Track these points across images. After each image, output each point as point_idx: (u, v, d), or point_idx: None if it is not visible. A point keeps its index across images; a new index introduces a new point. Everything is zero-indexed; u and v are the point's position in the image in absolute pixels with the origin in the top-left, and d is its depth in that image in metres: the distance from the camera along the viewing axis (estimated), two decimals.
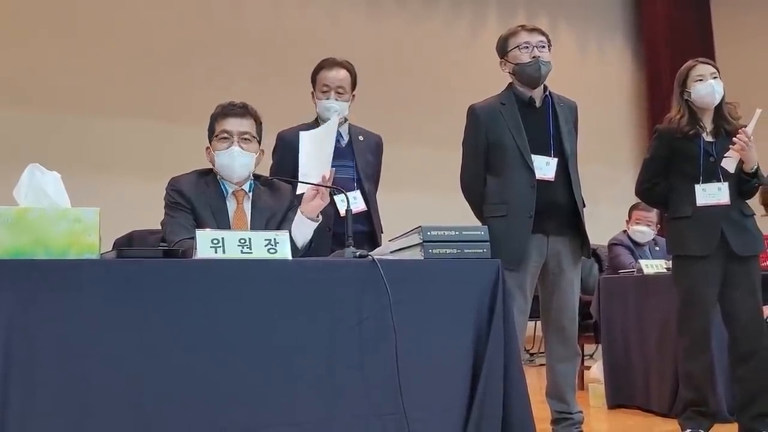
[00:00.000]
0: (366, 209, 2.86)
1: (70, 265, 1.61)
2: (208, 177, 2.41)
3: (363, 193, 2.86)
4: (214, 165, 2.41)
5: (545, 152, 2.79)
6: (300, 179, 2.35)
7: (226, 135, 2.36)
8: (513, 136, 2.79)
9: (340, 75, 2.88)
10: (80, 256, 1.63)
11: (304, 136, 2.40)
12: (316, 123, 2.94)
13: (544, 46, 2.83)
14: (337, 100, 2.87)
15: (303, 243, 2.30)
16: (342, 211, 2.67)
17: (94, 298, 1.61)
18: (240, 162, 2.33)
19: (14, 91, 4.99)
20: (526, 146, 2.77)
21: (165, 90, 5.39)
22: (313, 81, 2.94)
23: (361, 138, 2.97)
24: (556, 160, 2.79)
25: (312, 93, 2.95)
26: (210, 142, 2.42)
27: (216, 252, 1.77)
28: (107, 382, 1.61)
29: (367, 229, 2.86)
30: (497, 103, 2.87)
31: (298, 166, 2.62)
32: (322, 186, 2.30)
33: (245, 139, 2.36)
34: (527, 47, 2.81)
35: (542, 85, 2.88)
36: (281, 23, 5.99)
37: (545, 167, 2.77)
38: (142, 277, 1.67)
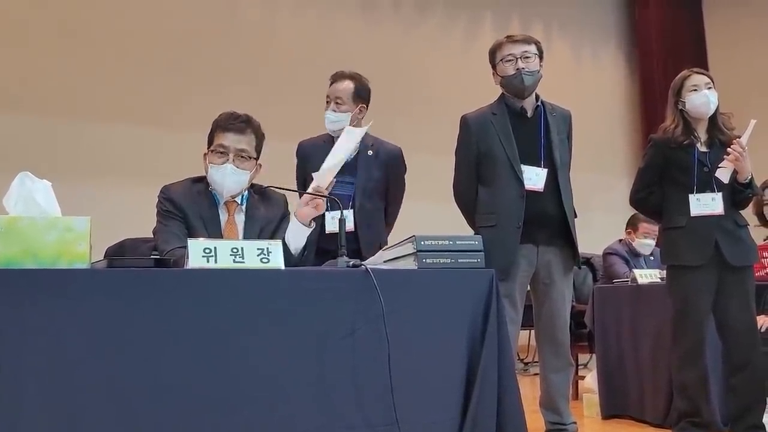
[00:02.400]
0: (353, 229, 2.82)
1: (60, 275, 1.59)
2: (201, 185, 2.38)
3: (354, 213, 2.83)
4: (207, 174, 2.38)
5: (535, 162, 2.80)
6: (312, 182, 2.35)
7: (222, 150, 2.32)
8: (503, 146, 2.80)
9: (340, 86, 2.88)
10: (70, 265, 1.61)
11: (343, 134, 2.33)
12: (329, 136, 2.92)
13: (529, 57, 2.82)
14: (334, 111, 2.86)
15: (296, 249, 2.29)
16: (327, 228, 2.70)
17: (84, 308, 1.59)
18: (231, 180, 2.31)
19: (6, 96, 4.97)
20: (515, 156, 2.78)
21: (158, 96, 5.38)
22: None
23: (370, 152, 2.92)
24: (545, 170, 2.80)
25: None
26: (208, 150, 2.38)
27: (208, 261, 1.76)
28: (97, 393, 1.59)
29: (353, 248, 2.78)
30: (489, 113, 2.88)
31: (307, 177, 2.62)
32: (318, 195, 2.28)
33: (241, 157, 2.33)
34: (511, 59, 2.82)
35: (534, 95, 2.88)
36: (276, 29, 5.99)
37: (535, 178, 2.78)
38: (133, 287, 1.65)
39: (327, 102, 2.90)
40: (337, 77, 2.92)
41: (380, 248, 2.87)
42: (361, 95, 2.89)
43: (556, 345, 2.85)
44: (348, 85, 2.87)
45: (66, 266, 1.61)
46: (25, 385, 1.53)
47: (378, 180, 2.92)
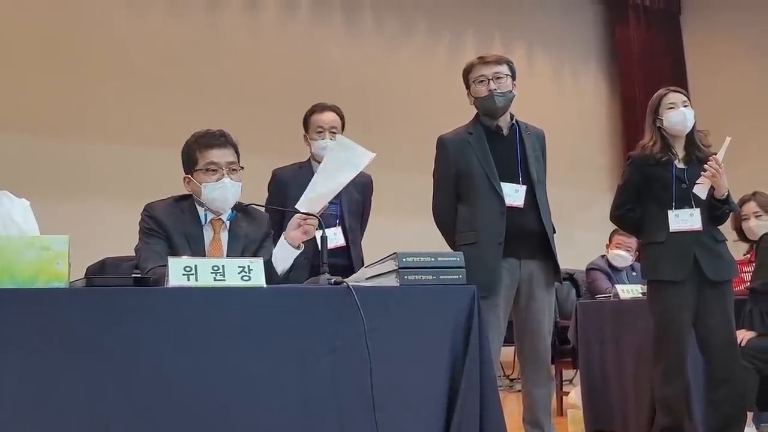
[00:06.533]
0: (345, 245, 2.98)
1: (37, 294, 1.58)
2: (185, 203, 2.37)
3: (344, 230, 2.98)
4: (199, 195, 2.33)
5: (513, 180, 2.84)
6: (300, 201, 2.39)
7: (214, 167, 2.31)
8: (481, 164, 2.84)
9: (330, 117, 3.06)
10: (48, 284, 1.60)
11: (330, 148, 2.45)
12: (309, 163, 3.07)
13: (501, 77, 2.85)
14: (332, 140, 2.97)
15: (283, 269, 2.30)
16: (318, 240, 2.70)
17: (61, 327, 1.58)
18: (232, 193, 2.32)
19: None
20: (494, 174, 2.82)
21: (140, 114, 5.35)
22: (306, 123, 3.09)
23: None
24: (524, 187, 2.83)
25: (305, 135, 3.09)
26: (190, 173, 2.34)
27: (188, 280, 1.75)
28: (77, 413, 1.58)
29: (346, 263, 2.94)
30: (465, 133, 2.93)
31: (286, 205, 2.68)
32: (306, 214, 2.30)
33: (233, 169, 2.33)
34: (483, 80, 2.86)
35: (508, 114, 2.92)
36: (259, 48, 6.00)
37: (514, 194, 2.82)
38: (111, 306, 1.64)
39: (319, 131, 3.02)
40: (326, 108, 3.08)
41: (363, 265, 2.92)
42: (344, 125, 3.12)
43: (537, 359, 2.86)
44: (337, 118, 3.07)
45: (43, 285, 1.60)
46: (2, 405, 1.51)
47: (358, 202, 3.11)
